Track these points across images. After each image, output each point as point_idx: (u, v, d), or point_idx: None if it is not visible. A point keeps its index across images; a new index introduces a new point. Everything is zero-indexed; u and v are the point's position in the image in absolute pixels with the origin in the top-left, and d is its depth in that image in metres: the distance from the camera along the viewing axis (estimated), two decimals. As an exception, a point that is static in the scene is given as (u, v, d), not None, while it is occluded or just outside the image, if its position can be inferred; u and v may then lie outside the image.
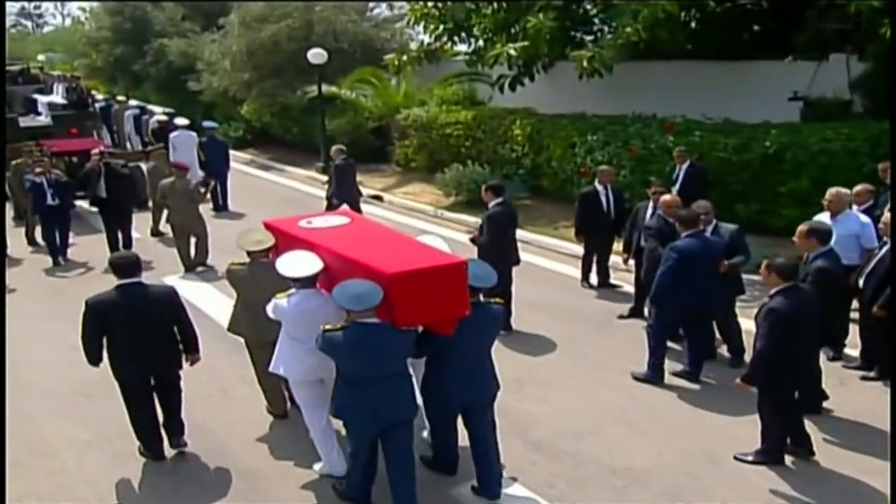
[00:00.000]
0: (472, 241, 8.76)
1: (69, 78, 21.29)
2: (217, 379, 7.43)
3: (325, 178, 18.35)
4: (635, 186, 11.90)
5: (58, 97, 20.17)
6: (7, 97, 20.22)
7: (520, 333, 8.68)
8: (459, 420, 5.63)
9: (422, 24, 15.69)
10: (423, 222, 14.09)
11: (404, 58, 15.96)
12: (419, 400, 5.44)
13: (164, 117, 18.23)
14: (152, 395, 6.06)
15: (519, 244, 8.96)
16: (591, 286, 10.18)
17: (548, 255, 11.74)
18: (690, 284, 7.06)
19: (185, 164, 12.13)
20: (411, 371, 5.38)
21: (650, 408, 6.93)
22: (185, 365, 6.18)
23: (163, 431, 6.18)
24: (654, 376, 7.38)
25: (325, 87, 18.89)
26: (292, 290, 5.56)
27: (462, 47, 16.49)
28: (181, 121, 16.69)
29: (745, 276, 7.92)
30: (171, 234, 11.62)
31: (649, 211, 8.67)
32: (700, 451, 6.18)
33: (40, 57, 42.58)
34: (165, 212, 11.96)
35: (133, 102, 23.22)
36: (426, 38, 16.53)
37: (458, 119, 16.45)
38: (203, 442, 6.35)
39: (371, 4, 23.08)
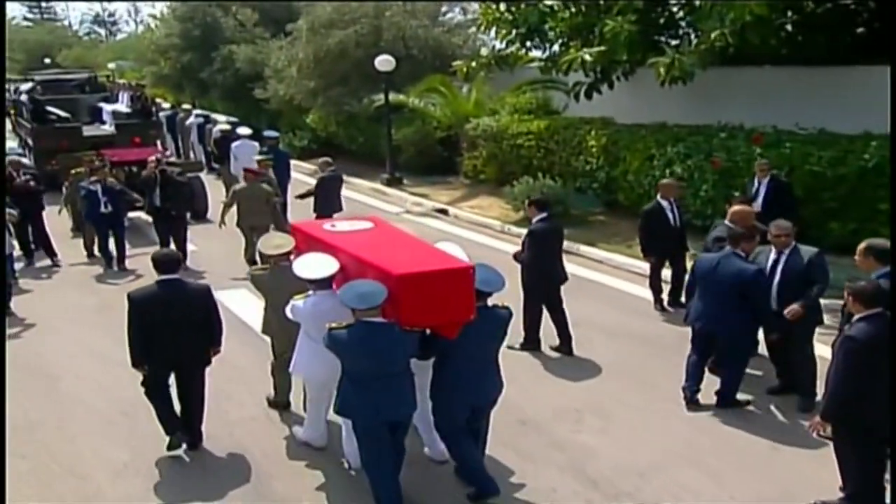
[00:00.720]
0: (515, 257, 8.80)
1: (134, 86, 22.02)
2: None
3: (387, 189, 18.60)
4: (717, 202, 11.59)
5: (122, 106, 20.93)
6: (73, 106, 21.13)
7: (581, 358, 8.53)
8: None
9: (493, 28, 15.72)
10: (488, 237, 14.06)
11: (473, 64, 16.01)
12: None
13: (227, 126, 18.71)
14: (168, 388, 6.61)
15: (590, 263, 8.87)
16: (663, 308, 9.95)
17: (620, 275, 11.54)
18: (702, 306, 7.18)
19: (260, 170, 12.55)
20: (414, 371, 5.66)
21: (720, 443, 6.68)
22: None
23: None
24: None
25: (392, 96, 19.10)
26: (310, 292, 5.94)
27: (537, 53, 16.45)
28: (243, 130, 17.09)
29: (828, 301, 7.60)
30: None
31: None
32: (776, 494, 5.92)
33: (110, 65, 44.33)
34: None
35: (197, 111, 23.91)
36: (497, 44, 16.57)
37: (529, 129, 16.37)
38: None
39: (443, 8, 23.21)
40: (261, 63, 24.81)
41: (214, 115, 23.23)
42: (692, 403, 7.31)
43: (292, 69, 21.98)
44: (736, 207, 8.09)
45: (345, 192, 18.66)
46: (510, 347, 8.64)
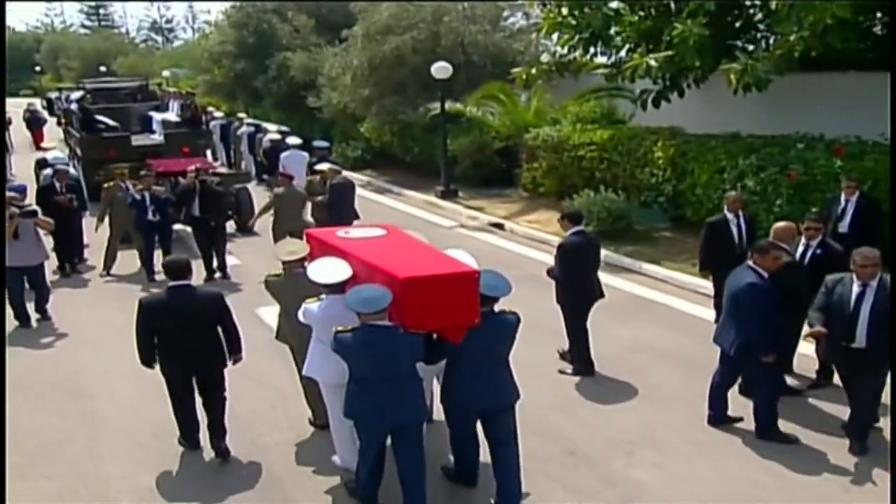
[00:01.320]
0: (548, 273, 8.79)
1: (184, 95, 22.51)
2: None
3: (441, 202, 18.58)
4: (793, 218, 11.21)
5: (172, 115, 21.38)
6: (123, 115, 21.65)
7: (637, 385, 8.34)
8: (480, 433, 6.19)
9: (555, 34, 15.61)
10: (545, 254, 13.86)
11: (533, 71, 15.91)
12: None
13: (276, 136, 18.96)
14: (193, 393, 6.98)
15: (653, 282, 8.69)
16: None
17: (684, 296, 11.28)
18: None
19: (292, 174, 13.00)
20: (422, 375, 5.98)
21: (786, 483, 6.41)
22: (230, 365, 7.06)
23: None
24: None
25: (449, 104, 19.13)
26: (322, 296, 6.26)
27: (603, 59, 16.30)
28: (293, 140, 17.30)
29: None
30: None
31: (800, 249, 8.13)
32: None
33: (164, 73, 45.47)
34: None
35: (249, 120, 24.30)
36: (559, 50, 16.44)
37: (592, 139, 16.19)
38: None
39: (505, 13, 23.17)
40: (315, 71, 25.09)
41: (265, 125, 23.54)
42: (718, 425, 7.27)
43: (346, 77, 22.15)
44: (779, 224, 7.98)
45: (397, 204, 19.09)
46: (562, 372, 8.78)
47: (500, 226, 16.21)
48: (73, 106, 20.87)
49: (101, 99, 22.89)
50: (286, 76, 27.19)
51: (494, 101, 19.24)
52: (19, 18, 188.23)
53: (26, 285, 10.88)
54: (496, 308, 6.00)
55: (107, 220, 13.40)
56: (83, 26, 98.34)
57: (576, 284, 8.54)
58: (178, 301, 6.74)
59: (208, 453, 7.09)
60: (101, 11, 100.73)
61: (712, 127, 14.55)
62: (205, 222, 12.64)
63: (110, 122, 20.16)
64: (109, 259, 13.29)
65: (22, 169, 22.10)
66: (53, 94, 27.19)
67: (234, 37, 30.16)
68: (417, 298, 5.64)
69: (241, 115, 26.92)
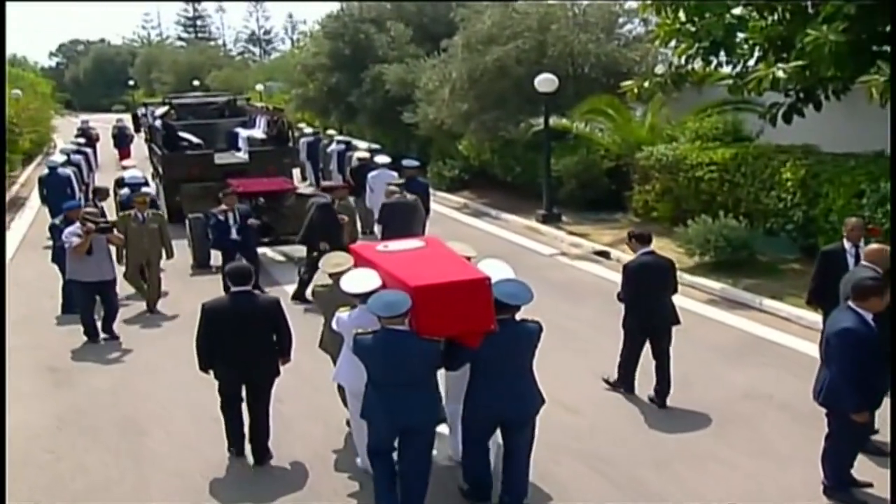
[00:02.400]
0: (618, 297, 9.11)
1: (272, 110, 22.97)
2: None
3: (541, 227, 18.41)
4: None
5: (258, 132, 21.88)
6: (208, 131, 22.32)
7: (749, 439, 7.98)
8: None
9: (672, 42, 15.32)
10: (655, 288, 13.56)
11: (646, 84, 15.63)
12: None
13: (365, 154, 19.16)
14: (242, 399, 7.69)
15: (774, 320, 8.36)
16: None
17: (810, 337, 10.65)
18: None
19: (345, 185, 13.67)
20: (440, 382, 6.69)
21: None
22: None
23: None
24: None
25: (554, 120, 19.00)
26: (358, 305, 6.84)
27: (727, 69, 15.89)
28: (381, 159, 17.43)
29: None
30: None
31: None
32: None
33: (258, 87, 46.85)
34: None
35: (339, 137, 24.68)
36: (676, 60, 16.12)
37: (712, 158, 15.79)
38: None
39: (621, 19, 22.92)
40: (411, 84, 25.35)
41: (355, 142, 23.87)
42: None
43: (444, 90, 22.31)
44: (874, 246, 7.67)
45: (494, 229, 19.03)
46: (605, 380, 9.30)
47: (605, 254, 15.93)
48: (157, 122, 21.58)
49: (187, 114, 23.61)
50: (381, 90, 27.57)
51: (604, 116, 18.99)
52: (115, 32, 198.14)
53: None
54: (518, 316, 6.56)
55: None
56: (179, 38, 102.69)
57: (639, 308, 8.83)
58: (239, 306, 7.48)
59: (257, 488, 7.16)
60: (199, 23, 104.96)
61: (852, 145, 13.98)
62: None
63: (194, 140, 20.77)
64: (146, 293, 13.14)
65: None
66: (140, 110, 28.23)
67: (329, 48, 30.78)
68: (429, 305, 6.31)
69: (331, 131, 27.34)
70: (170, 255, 13.36)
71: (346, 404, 7.73)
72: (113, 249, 12.04)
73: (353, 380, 6.89)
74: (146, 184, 16.11)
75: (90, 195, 21.63)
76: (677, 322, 8.97)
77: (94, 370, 10.53)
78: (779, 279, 13.17)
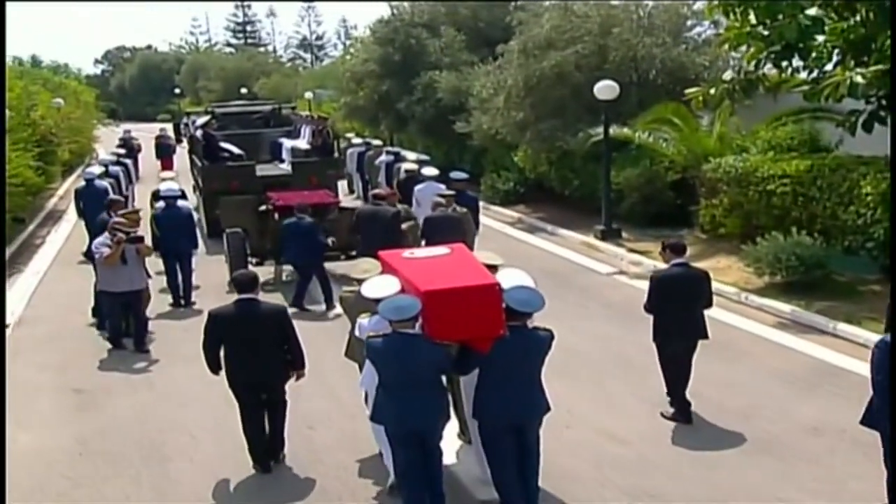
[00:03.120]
0: (645, 309, 9.28)
1: (316, 119, 23.18)
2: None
3: (600, 244, 18.26)
4: None
5: (302, 142, 22.09)
6: (251, 142, 22.59)
7: (817, 477, 7.79)
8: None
9: (743, 46, 15.13)
10: (719, 309, 13.25)
11: (713, 91, 15.43)
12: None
13: (413, 166, 19.19)
14: (262, 409, 8.22)
15: (847, 346, 8.24)
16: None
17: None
18: None
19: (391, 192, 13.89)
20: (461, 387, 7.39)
21: None
22: (293, 380, 8.36)
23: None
24: None
25: (615, 129, 18.87)
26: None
27: (803, 74, 15.63)
28: (429, 171, 17.43)
29: None
30: None
31: None
32: None
33: (307, 94, 47.30)
34: None
35: (388, 148, 24.81)
36: (746, 65, 15.91)
37: (785, 171, 15.51)
38: None
39: (690, 21, 22.73)
40: (465, 92, 25.40)
41: (404, 153, 23.96)
42: None
43: (499, 98, 22.30)
44: None
45: (549, 245, 18.95)
46: (662, 415, 9.20)
47: (668, 273, 15.70)
48: (198, 132, 21.90)
49: (230, 124, 23.95)
50: (433, 98, 27.70)
51: (669, 125, 18.78)
52: (163, 38, 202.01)
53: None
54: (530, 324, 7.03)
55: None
56: (228, 44, 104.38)
57: (666, 321, 9.01)
58: (245, 313, 8.05)
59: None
60: (248, 28, 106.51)
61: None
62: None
63: (235, 150, 21.03)
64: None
65: (146, 200, 23.42)
66: (184, 120, 28.76)
67: (379, 54, 30.98)
68: (439, 309, 6.79)
69: (376, 141, 27.47)
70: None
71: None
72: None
73: (375, 386, 7.23)
74: (182, 196, 16.27)
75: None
76: (705, 336, 9.18)
77: (120, 392, 10.65)
78: (856, 301, 12.89)
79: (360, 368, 7.95)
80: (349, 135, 31.30)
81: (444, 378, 7.16)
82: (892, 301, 6.50)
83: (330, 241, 14.85)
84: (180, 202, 15.35)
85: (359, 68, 32.46)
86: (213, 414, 9.46)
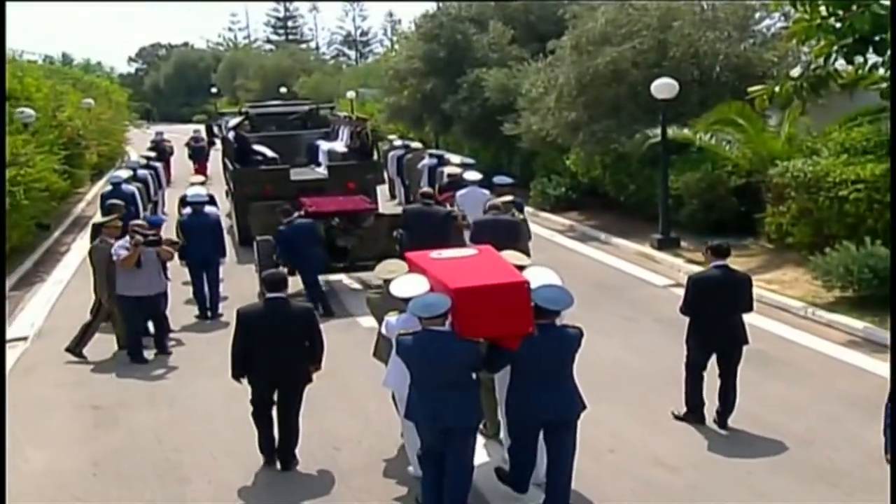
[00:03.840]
0: (681, 311, 9.61)
1: (355, 120, 23.27)
2: None
3: (657, 254, 18.12)
4: None
5: (339, 144, 22.20)
6: (287, 144, 22.76)
7: None
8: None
9: (813, 40, 14.94)
10: (783, 324, 13.27)
11: (777, 89, 15.25)
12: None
13: (456, 170, 19.22)
14: (272, 408, 8.72)
15: None
16: None
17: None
18: None
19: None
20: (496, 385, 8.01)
21: None
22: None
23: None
24: None
25: (674, 130, 18.74)
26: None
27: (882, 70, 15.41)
28: (472, 175, 17.45)
29: None
30: None
31: None
32: None
33: (349, 94, 47.58)
34: None
35: (431, 151, 24.86)
36: (814, 60, 15.71)
37: (859, 175, 15.28)
38: None
39: (758, 14, 22.50)
40: (514, 91, 25.38)
41: (448, 156, 23.97)
42: None
43: (550, 98, 22.24)
44: None
45: (601, 255, 18.90)
46: (675, 415, 9.58)
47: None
48: (230, 134, 22.10)
49: (265, 125, 24.13)
50: (480, 97, 27.74)
51: (732, 126, 18.60)
52: (200, 35, 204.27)
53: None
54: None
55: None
56: (268, 41, 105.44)
57: (702, 324, 9.34)
58: (273, 312, 8.63)
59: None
60: (290, 24, 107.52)
61: None
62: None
63: (269, 153, 21.18)
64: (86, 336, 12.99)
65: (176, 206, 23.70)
66: (220, 120, 29.05)
67: (423, 50, 31.15)
68: (468, 307, 7.30)
69: (417, 144, 27.53)
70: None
71: (398, 410, 8.41)
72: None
73: (402, 384, 7.71)
74: (211, 202, 16.44)
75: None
76: (746, 342, 9.41)
77: (139, 408, 10.77)
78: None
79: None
80: (391, 137, 31.41)
81: (474, 376, 7.55)
82: (893, 303, 6.42)
83: (347, 245, 15.51)
84: (208, 208, 15.51)
85: (402, 66, 32.63)
86: (236, 432, 9.53)
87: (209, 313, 14.64)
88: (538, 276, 7.87)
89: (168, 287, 13.30)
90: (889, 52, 14.33)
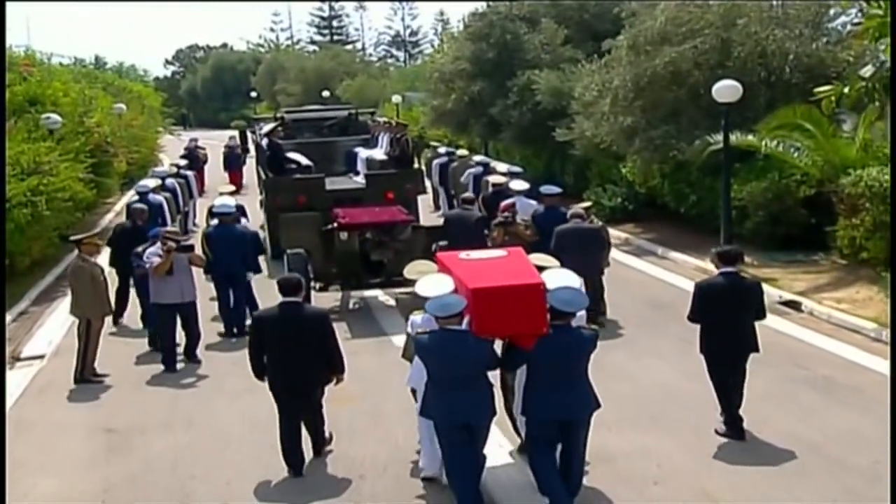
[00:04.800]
0: (688, 318, 10.25)
1: (395, 126, 23.31)
2: None
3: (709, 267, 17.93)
4: None
5: (378, 152, 22.27)
6: (324, 151, 22.88)
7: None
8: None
9: (886, 39, 14.79)
10: (852, 347, 13.03)
11: (846, 90, 15.09)
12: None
13: (501, 179, 19.21)
14: (299, 416, 9.42)
15: None
16: None
17: None
18: None
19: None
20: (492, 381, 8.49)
21: None
22: (333, 384, 9.61)
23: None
24: None
25: (738, 136, 18.58)
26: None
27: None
28: (518, 185, 17.45)
29: None
30: None
31: None
32: None
33: (394, 98, 47.74)
34: None
35: (477, 158, 24.83)
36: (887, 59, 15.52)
37: (938, 185, 15.04)
38: None
39: (833, 10, 22.25)
40: (567, 94, 25.31)
41: (494, 164, 23.95)
42: None
43: (604, 101, 22.16)
44: None
45: (657, 271, 18.87)
46: (717, 432, 9.90)
47: (795, 304, 15.51)
48: (263, 141, 22.25)
49: (302, 131, 24.29)
50: (530, 101, 27.73)
51: (801, 131, 18.38)
52: (239, 35, 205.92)
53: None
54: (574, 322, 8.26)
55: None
56: (311, 42, 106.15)
57: (710, 331, 9.94)
58: (288, 315, 9.31)
59: None
60: (335, 23, 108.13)
61: None
62: None
63: (303, 161, 21.31)
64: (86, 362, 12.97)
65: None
66: (253, 127, 29.24)
67: (471, 51, 31.24)
68: (485, 306, 8.08)
69: (463, 151, 27.54)
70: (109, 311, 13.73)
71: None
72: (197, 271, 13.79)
73: (422, 383, 8.41)
74: (241, 213, 16.57)
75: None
76: (755, 349, 9.97)
77: (155, 432, 10.86)
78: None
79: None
80: (434, 143, 31.45)
81: (489, 374, 8.33)
82: (893, 302, 6.49)
83: (382, 259, 15.73)
84: (236, 221, 15.61)
85: (448, 67, 32.75)
86: (255, 458, 9.61)
87: (235, 331, 14.71)
88: (556, 279, 8.55)
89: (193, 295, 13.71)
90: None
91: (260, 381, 9.44)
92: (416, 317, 8.75)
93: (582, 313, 8.56)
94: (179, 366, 13.23)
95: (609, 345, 11.78)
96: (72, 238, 13.75)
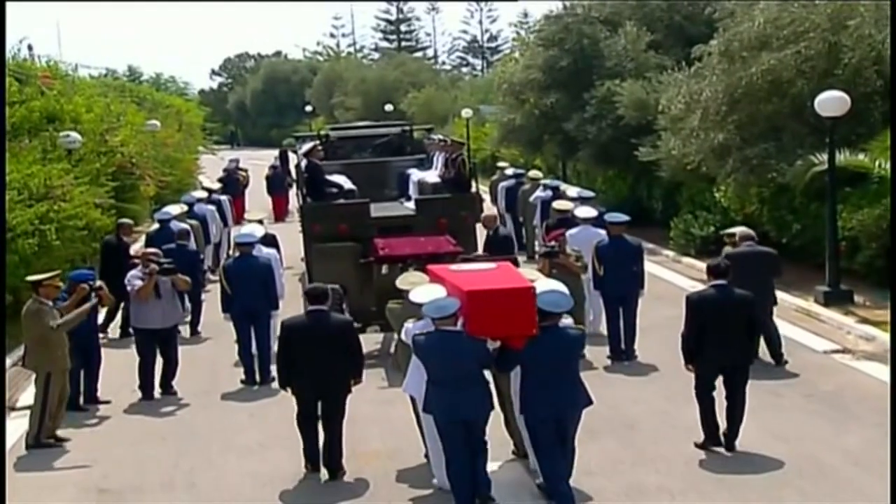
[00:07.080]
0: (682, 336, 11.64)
1: (450, 145, 23.19)
2: None
3: (822, 310, 17.60)
4: None
5: (432, 174, 22.20)
6: (372, 173, 22.89)
7: None
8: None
9: None
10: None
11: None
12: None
13: (567, 205, 19.08)
14: (318, 422, 10.97)
15: None
16: None
17: None
18: None
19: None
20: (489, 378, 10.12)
21: None
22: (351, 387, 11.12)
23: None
24: None
25: (846, 156, 18.37)
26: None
27: None
28: (584, 212, 17.31)
29: None
30: None
31: None
32: None
33: (464, 112, 47.79)
34: None
35: (546, 181, 24.69)
36: None
37: None
38: None
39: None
40: (653, 107, 25.10)
41: (565, 187, 23.78)
42: None
43: (694, 115, 21.97)
44: None
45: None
46: (696, 444, 11.31)
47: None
48: (303, 162, 22.31)
49: (346, 150, 24.33)
50: (611, 114, 27.64)
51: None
52: (295, 42, 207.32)
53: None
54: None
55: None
56: (376, 49, 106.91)
57: (703, 345, 11.18)
58: (315, 323, 10.95)
59: None
60: (403, 28, 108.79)
61: None
62: None
63: (346, 184, 21.27)
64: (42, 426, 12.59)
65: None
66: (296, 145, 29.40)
67: (544, 59, 31.13)
68: (479, 308, 9.71)
69: (534, 172, 27.38)
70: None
71: (417, 416, 10.74)
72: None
73: (421, 390, 9.92)
74: (269, 243, 16.66)
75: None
76: (750, 361, 11.54)
77: (151, 494, 10.93)
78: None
79: (405, 376, 10.62)
80: (501, 164, 31.34)
81: (486, 373, 9.91)
82: (893, 308, 6.51)
83: None
84: (261, 250, 15.67)
85: (517, 77, 32.75)
86: (262, 474, 9.63)
87: (258, 378, 14.70)
88: (544, 284, 10.32)
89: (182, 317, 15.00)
90: None
91: (284, 391, 11.22)
92: (409, 324, 10.31)
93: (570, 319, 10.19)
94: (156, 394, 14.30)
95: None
96: (29, 279, 13.22)
